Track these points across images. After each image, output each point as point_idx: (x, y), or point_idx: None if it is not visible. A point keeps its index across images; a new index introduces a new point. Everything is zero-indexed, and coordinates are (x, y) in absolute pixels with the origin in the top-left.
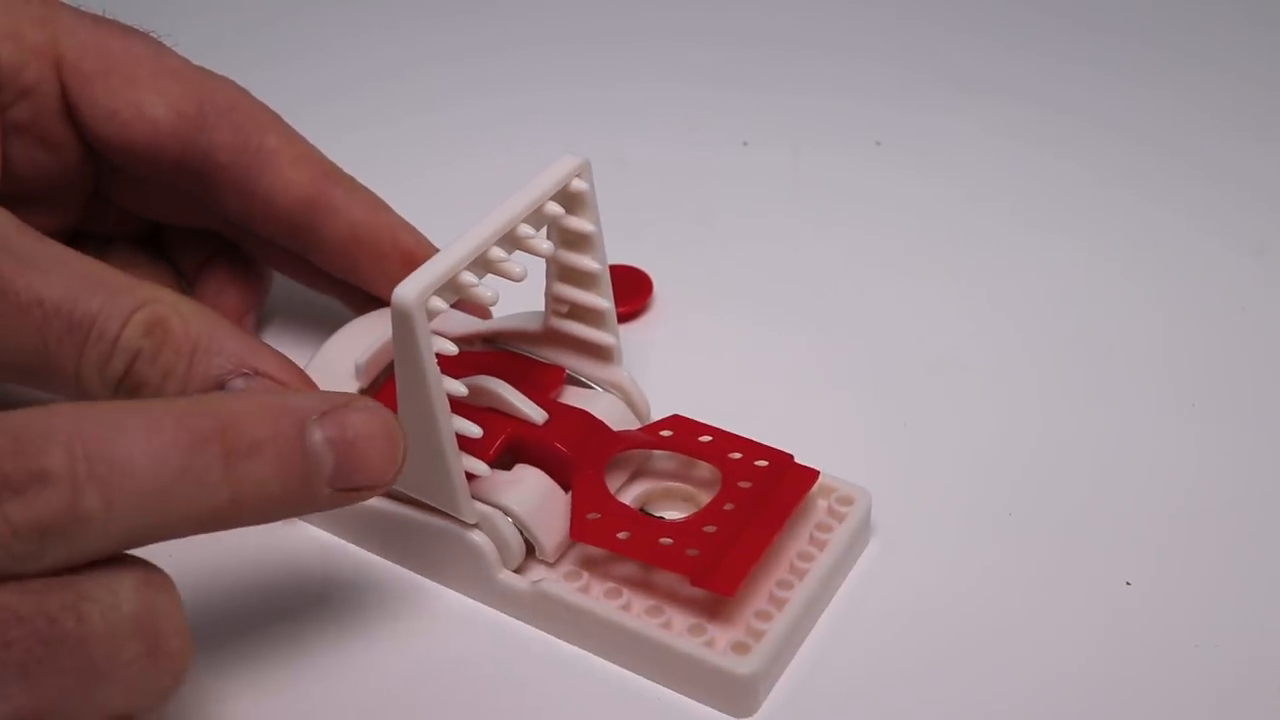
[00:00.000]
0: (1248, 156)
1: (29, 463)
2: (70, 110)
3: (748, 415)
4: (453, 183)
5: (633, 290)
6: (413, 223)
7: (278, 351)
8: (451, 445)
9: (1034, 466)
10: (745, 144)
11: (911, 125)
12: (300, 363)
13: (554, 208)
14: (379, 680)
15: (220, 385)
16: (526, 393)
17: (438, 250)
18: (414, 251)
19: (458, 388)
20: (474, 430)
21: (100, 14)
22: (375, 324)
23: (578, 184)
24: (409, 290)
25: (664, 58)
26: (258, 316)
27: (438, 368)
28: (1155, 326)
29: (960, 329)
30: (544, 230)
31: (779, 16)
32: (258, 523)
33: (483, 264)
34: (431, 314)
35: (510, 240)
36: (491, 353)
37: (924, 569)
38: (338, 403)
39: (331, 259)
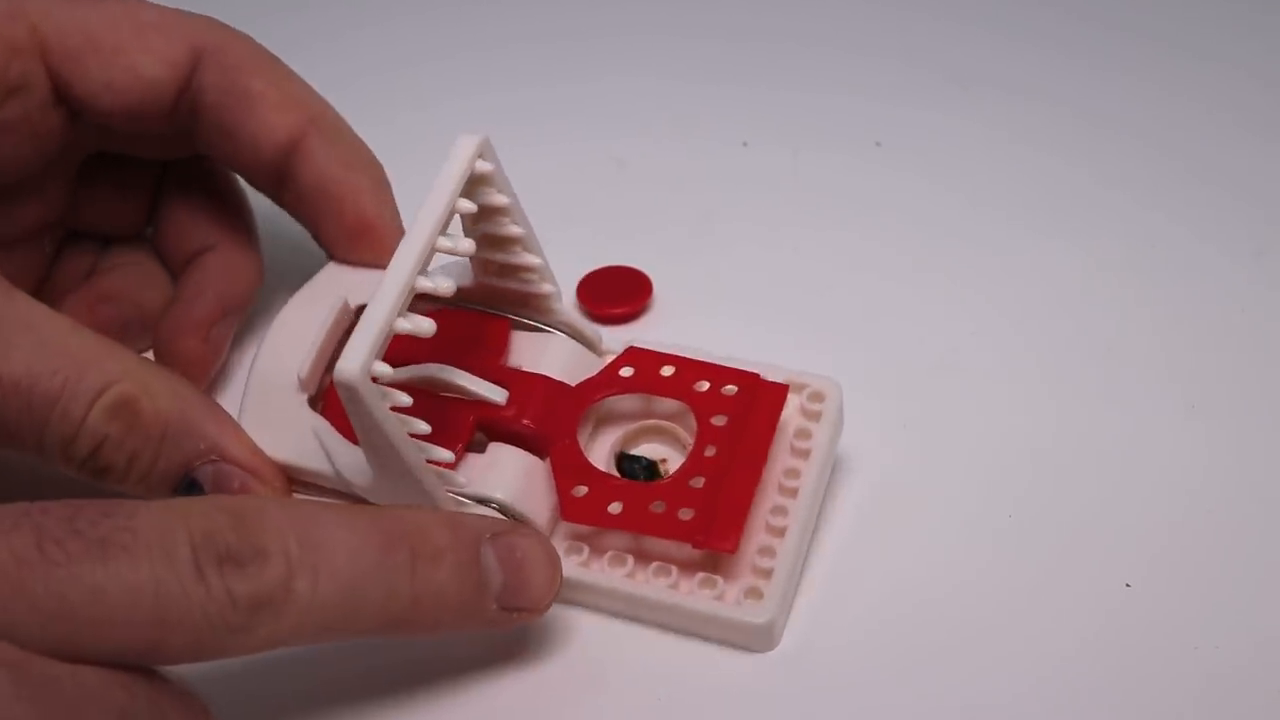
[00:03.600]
0: (1248, 157)
1: (251, 539)
2: (64, 94)
3: None
4: None
5: (632, 291)
6: (406, 219)
7: (245, 434)
8: (426, 471)
9: (1034, 468)
10: (745, 144)
11: (911, 125)
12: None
13: (464, 204)
14: (401, 683)
15: (188, 470)
16: (478, 357)
17: (399, 224)
18: (372, 221)
19: (421, 426)
20: (446, 456)
21: None
22: (302, 319)
23: (481, 165)
24: (350, 367)
25: (663, 57)
26: (236, 322)
27: (396, 419)
28: (1155, 328)
29: (960, 330)
30: (460, 222)
31: (778, 14)
32: (429, 633)
33: (412, 296)
34: (376, 378)
35: (431, 255)
36: (436, 311)
37: (923, 570)
38: (507, 528)
39: (295, 208)
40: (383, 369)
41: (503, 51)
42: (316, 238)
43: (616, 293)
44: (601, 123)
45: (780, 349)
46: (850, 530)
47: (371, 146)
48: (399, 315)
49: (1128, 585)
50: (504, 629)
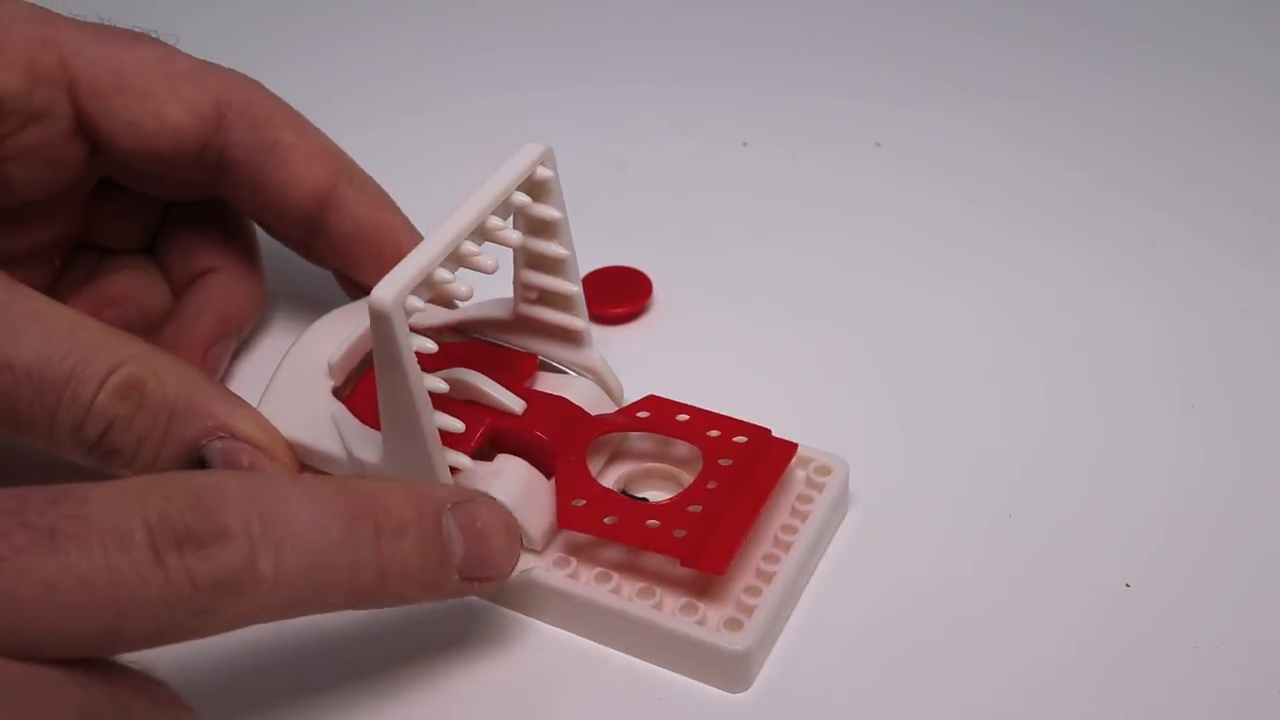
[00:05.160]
0: (1247, 157)
1: (211, 519)
2: (87, 128)
3: (747, 416)
4: (450, 183)
5: (632, 291)
6: (410, 223)
7: (254, 410)
8: (435, 441)
9: (1034, 468)
10: (745, 145)
11: (911, 125)
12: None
13: (520, 197)
14: (378, 679)
15: (196, 449)
16: (502, 382)
17: None
18: None
19: (439, 384)
20: (456, 425)
21: (101, 22)
22: (347, 319)
23: (542, 171)
24: (386, 291)
25: (662, 59)
26: (235, 344)
27: (419, 366)
28: (1155, 327)
29: (960, 330)
30: (511, 219)
31: (778, 16)
32: (394, 603)
33: (456, 259)
34: (409, 312)
35: (480, 233)
36: (464, 343)
37: (924, 571)
38: (467, 496)
39: (333, 255)
40: (417, 303)
41: (503, 55)
42: (353, 281)
43: (616, 293)
44: (602, 125)
45: (779, 350)
46: (850, 531)
47: (374, 149)
48: (442, 264)
49: (1127, 585)
50: (464, 596)
